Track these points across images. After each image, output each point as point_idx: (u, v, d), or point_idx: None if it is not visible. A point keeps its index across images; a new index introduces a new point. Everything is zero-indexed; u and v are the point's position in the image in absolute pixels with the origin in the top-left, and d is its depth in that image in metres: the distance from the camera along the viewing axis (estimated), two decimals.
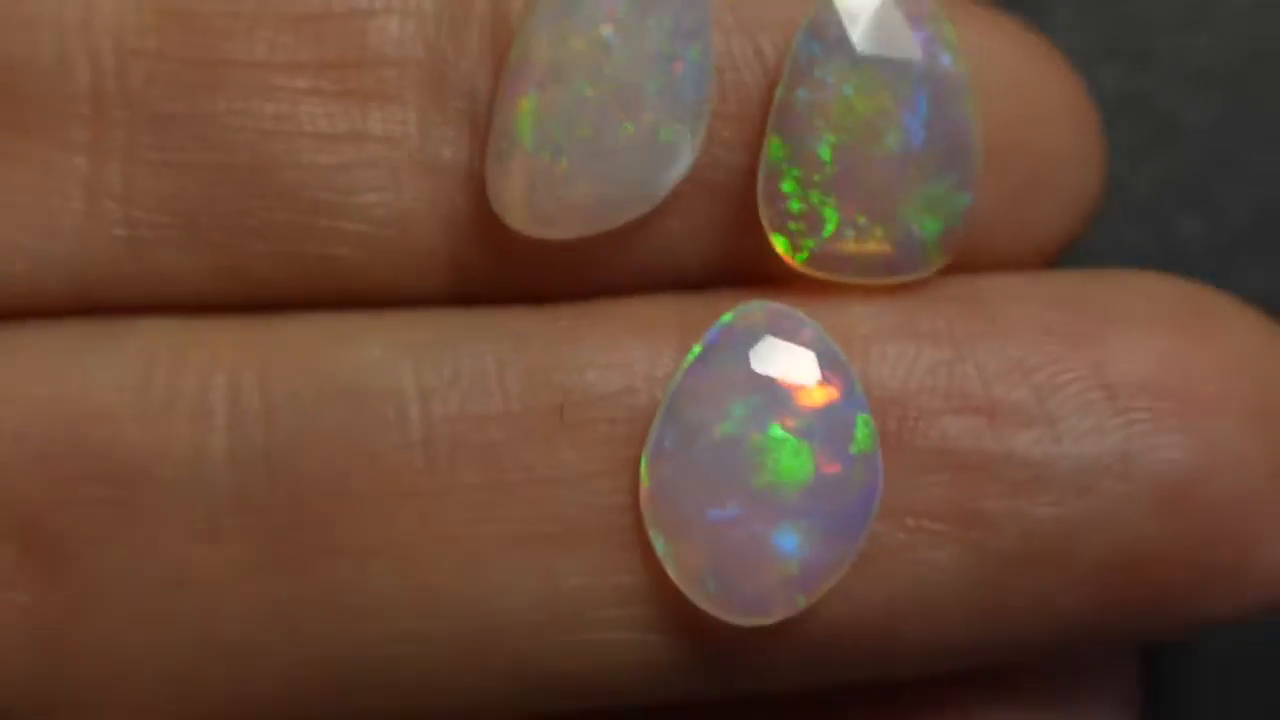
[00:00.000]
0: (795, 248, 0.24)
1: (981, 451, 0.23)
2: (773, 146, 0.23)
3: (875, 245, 0.23)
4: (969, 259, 0.25)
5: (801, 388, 0.23)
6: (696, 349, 0.23)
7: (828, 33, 0.23)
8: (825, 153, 0.23)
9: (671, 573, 0.23)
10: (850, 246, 0.23)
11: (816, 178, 0.23)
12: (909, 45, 0.23)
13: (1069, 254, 0.26)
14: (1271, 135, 0.37)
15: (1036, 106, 0.24)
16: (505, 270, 0.24)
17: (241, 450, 0.23)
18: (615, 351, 0.23)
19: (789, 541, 0.23)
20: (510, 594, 0.23)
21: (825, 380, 0.23)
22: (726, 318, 0.23)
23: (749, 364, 0.23)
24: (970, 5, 0.25)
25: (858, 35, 0.23)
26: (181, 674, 0.23)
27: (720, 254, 0.24)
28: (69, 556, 0.23)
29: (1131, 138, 0.37)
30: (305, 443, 0.23)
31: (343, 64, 0.23)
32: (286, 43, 0.23)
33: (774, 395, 0.23)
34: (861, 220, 0.23)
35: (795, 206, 0.23)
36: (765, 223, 0.24)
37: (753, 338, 0.23)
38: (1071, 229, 0.25)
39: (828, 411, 0.23)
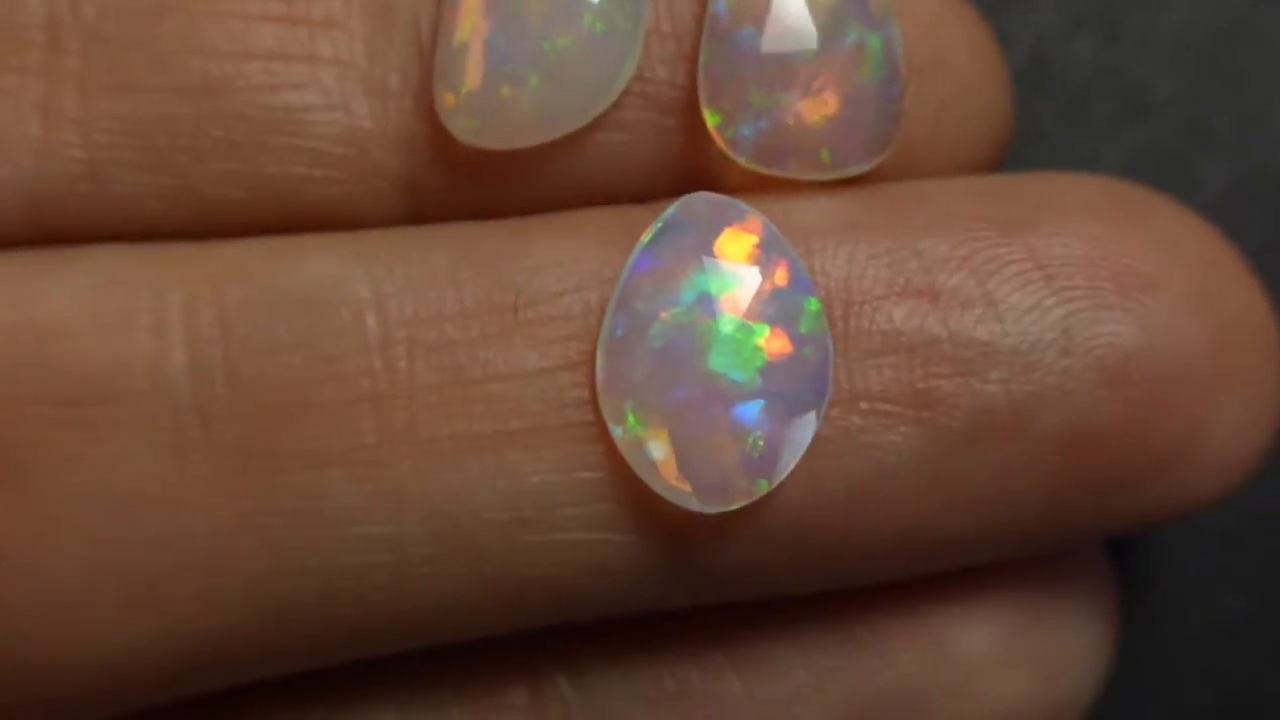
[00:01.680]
0: (735, 145, 0.24)
1: (927, 333, 0.23)
2: (706, 52, 0.24)
3: (812, 139, 0.24)
4: (896, 169, 0.25)
5: (748, 271, 0.23)
6: (644, 239, 0.23)
7: None
8: (755, 52, 0.24)
9: (632, 463, 0.23)
10: (788, 141, 0.24)
11: (749, 78, 0.24)
12: None
13: None
14: (1244, 107, 0.37)
15: (952, 26, 0.25)
16: (455, 186, 0.24)
17: (200, 363, 0.22)
18: (565, 252, 0.23)
19: (746, 420, 0.23)
20: (474, 494, 0.23)
21: (771, 263, 0.23)
22: (670, 209, 0.23)
23: (695, 250, 0.23)
24: None
25: None
26: (148, 593, 0.22)
27: (664, 166, 0.24)
28: (30, 477, 0.22)
29: (1104, 112, 0.37)
30: (263, 353, 0.22)
31: None
32: None
33: (721, 279, 0.23)
34: (799, 108, 0.24)
35: (732, 103, 0.24)
36: (708, 122, 0.24)
37: (697, 224, 0.23)
38: (986, 159, 0.26)
39: (775, 294, 0.23)
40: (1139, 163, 0.37)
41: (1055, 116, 0.35)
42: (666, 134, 0.24)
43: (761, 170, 0.24)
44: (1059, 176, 0.25)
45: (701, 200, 0.23)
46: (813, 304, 0.23)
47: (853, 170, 0.24)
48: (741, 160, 0.24)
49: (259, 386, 0.22)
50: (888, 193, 0.24)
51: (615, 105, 0.24)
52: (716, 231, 0.23)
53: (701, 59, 0.24)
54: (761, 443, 0.23)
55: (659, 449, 0.23)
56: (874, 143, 0.24)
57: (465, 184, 0.24)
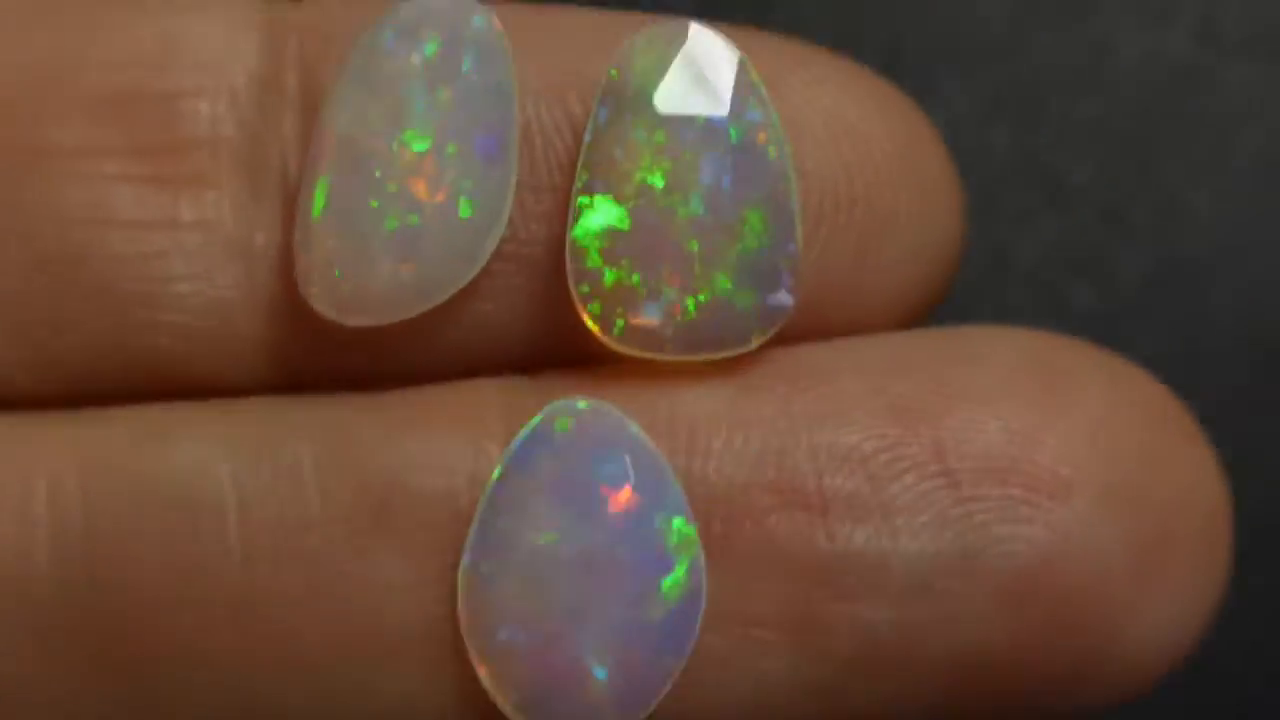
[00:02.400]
0: (606, 324, 0.22)
1: (813, 552, 0.21)
2: (577, 218, 0.22)
3: (688, 318, 0.22)
4: (807, 324, 0.22)
5: (612, 495, 0.21)
6: (508, 452, 0.21)
7: (625, 90, 0.22)
8: (625, 222, 0.21)
9: (490, 692, 0.21)
10: (662, 322, 0.22)
11: (621, 248, 0.21)
12: (712, 100, 0.22)
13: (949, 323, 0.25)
14: (1161, 195, 0.36)
15: (873, 154, 0.22)
16: (323, 356, 0.23)
17: (64, 561, 0.21)
18: (437, 450, 0.22)
19: (604, 661, 0.21)
20: (332, 706, 0.22)
21: (638, 486, 0.21)
22: (535, 420, 0.21)
23: (557, 471, 0.21)
24: (797, 47, 0.23)
25: (656, 92, 0.22)
26: None
27: (543, 332, 0.23)
28: None
29: (1020, 201, 0.37)
30: (127, 553, 0.21)
31: (153, 148, 0.22)
32: (96, 128, 0.22)
33: (584, 505, 0.21)
34: (672, 291, 0.22)
35: (604, 280, 0.22)
36: (575, 299, 0.22)
37: (562, 441, 0.21)
38: (925, 291, 0.23)
39: (640, 519, 0.21)
40: (1054, 252, 0.37)
41: (969, 206, 0.35)
42: (540, 299, 0.22)
43: (637, 354, 0.22)
44: (981, 336, 0.23)
45: (566, 410, 0.22)
46: (681, 528, 0.21)
47: (735, 352, 0.22)
48: (614, 346, 0.22)
49: (122, 587, 0.21)
50: (784, 369, 0.22)
51: (485, 271, 0.22)
52: (581, 449, 0.21)
53: (571, 229, 0.22)
54: (623, 681, 0.21)
55: (516, 691, 0.21)
56: (762, 319, 0.22)
57: (334, 354, 0.23)
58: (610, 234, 0.22)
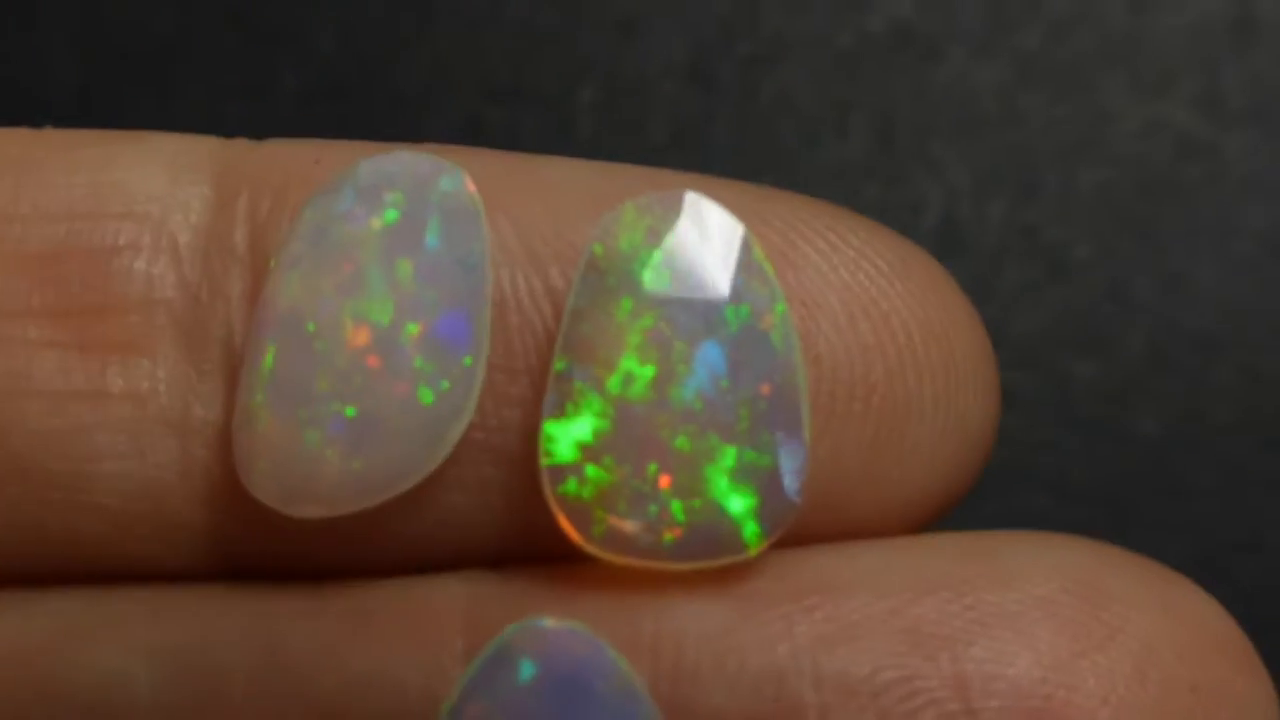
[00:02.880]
0: (584, 528, 0.19)
1: None
2: (548, 402, 0.19)
3: (676, 524, 0.19)
4: (820, 524, 0.20)
5: None
6: (461, 685, 0.19)
7: (609, 267, 0.19)
8: (607, 421, 0.19)
9: None
10: (647, 526, 0.19)
11: (599, 444, 0.19)
12: (710, 282, 0.19)
13: None
14: (1163, 267, 0.36)
15: (898, 336, 0.20)
16: (270, 545, 0.21)
17: None
18: (386, 664, 0.19)
19: None
20: None
21: None
22: (494, 644, 0.19)
23: (519, 704, 0.19)
24: (813, 209, 0.21)
25: (646, 270, 0.19)
26: None
27: (516, 527, 0.20)
28: None
29: (1019, 276, 0.36)
30: None
31: (82, 310, 0.20)
32: (19, 287, 0.20)
33: None
34: (659, 494, 0.19)
35: (578, 478, 0.19)
36: (548, 498, 0.19)
37: (525, 670, 0.19)
38: (952, 484, 0.21)
39: None
40: (1057, 327, 0.36)
41: (968, 280, 0.34)
42: (513, 491, 0.20)
43: (614, 560, 0.20)
44: (1015, 548, 0.20)
45: (534, 630, 0.19)
46: None
47: (730, 561, 0.20)
48: (593, 551, 0.20)
49: None
50: (788, 583, 0.20)
51: (453, 459, 0.20)
52: (547, 679, 0.19)
53: (546, 424, 0.19)
54: None
55: None
56: (763, 524, 0.19)
57: (278, 542, 0.20)
58: (589, 429, 0.19)
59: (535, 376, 0.20)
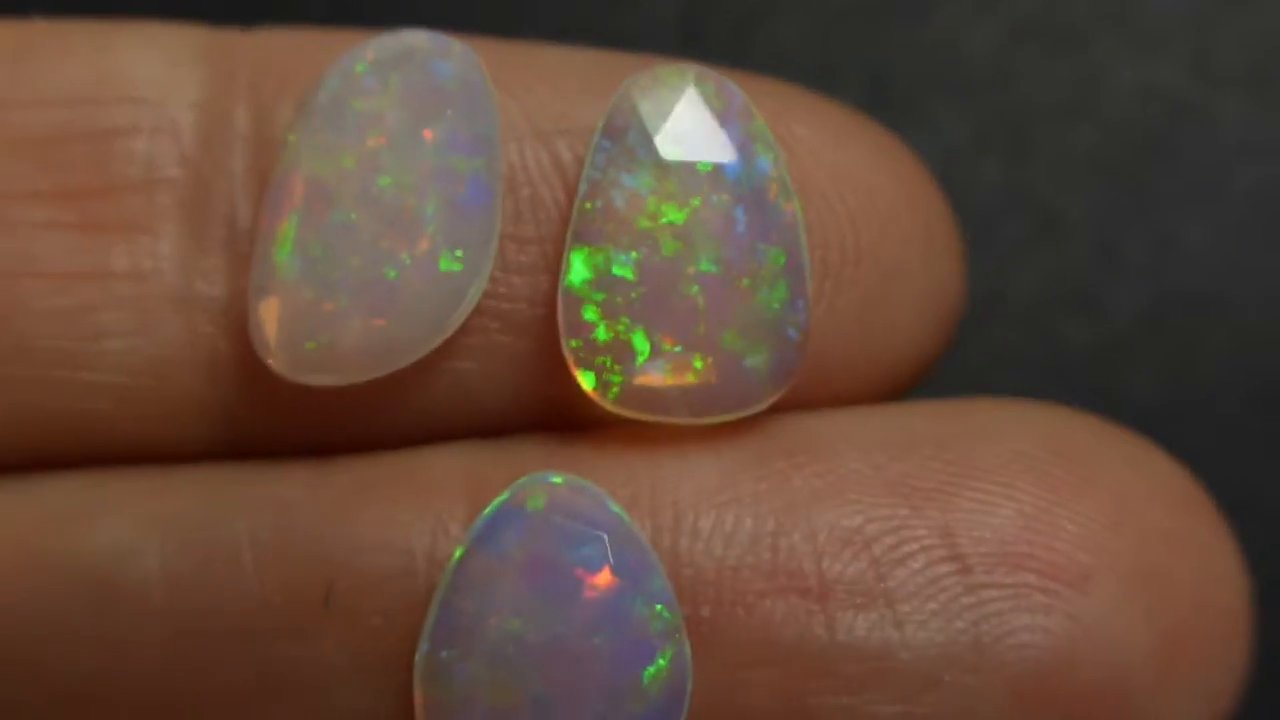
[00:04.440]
0: (604, 384, 0.20)
1: (810, 641, 0.20)
2: (571, 268, 0.20)
3: (694, 378, 0.20)
4: (810, 387, 0.21)
5: (588, 580, 0.19)
6: (473, 529, 0.20)
7: (627, 135, 0.20)
8: (629, 272, 0.20)
9: None
10: (666, 380, 0.20)
11: (621, 301, 0.20)
12: (720, 146, 0.20)
13: (946, 364, 0.23)
14: (1157, 228, 0.36)
15: (879, 207, 0.21)
16: (276, 419, 0.21)
17: None
18: (392, 526, 0.20)
19: None
20: None
21: (618, 568, 0.19)
22: (504, 495, 0.20)
23: (528, 551, 0.19)
24: (800, 95, 0.22)
25: (661, 136, 0.20)
26: None
27: (523, 394, 0.21)
28: None
29: (1012, 234, 0.36)
30: (37, 641, 0.20)
31: (84, 192, 0.21)
32: (21, 171, 0.21)
33: (557, 588, 0.19)
34: (677, 349, 0.20)
35: (600, 336, 0.20)
36: (568, 356, 0.20)
37: (533, 520, 0.20)
38: (929, 346, 0.22)
39: (619, 604, 0.19)
40: (1048, 286, 0.36)
41: (962, 238, 0.34)
42: (522, 359, 0.21)
43: (631, 415, 0.20)
44: (992, 411, 0.21)
45: (539, 484, 0.20)
46: (663, 613, 0.19)
47: (741, 413, 0.20)
48: (611, 408, 0.20)
49: (29, 679, 0.20)
50: (781, 442, 0.20)
51: (463, 327, 0.20)
52: (554, 526, 0.20)
53: (566, 278, 0.20)
54: None
55: None
56: (772, 379, 0.20)
57: (286, 416, 0.21)
58: (609, 286, 0.20)
59: (545, 246, 0.20)
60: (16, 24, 0.21)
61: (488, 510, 0.20)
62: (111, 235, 0.20)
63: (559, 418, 0.21)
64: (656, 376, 0.20)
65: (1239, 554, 0.21)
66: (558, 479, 0.20)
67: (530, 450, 0.20)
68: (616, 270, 0.20)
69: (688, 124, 0.20)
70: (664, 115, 0.20)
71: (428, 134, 0.20)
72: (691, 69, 0.20)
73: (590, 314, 0.20)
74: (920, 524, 0.20)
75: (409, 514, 0.20)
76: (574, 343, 0.20)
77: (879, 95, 0.36)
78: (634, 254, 0.20)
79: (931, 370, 0.22)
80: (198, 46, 0.21)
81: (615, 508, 0.20)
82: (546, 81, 0.21)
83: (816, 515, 0.20)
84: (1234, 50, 0.36)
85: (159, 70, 0.21)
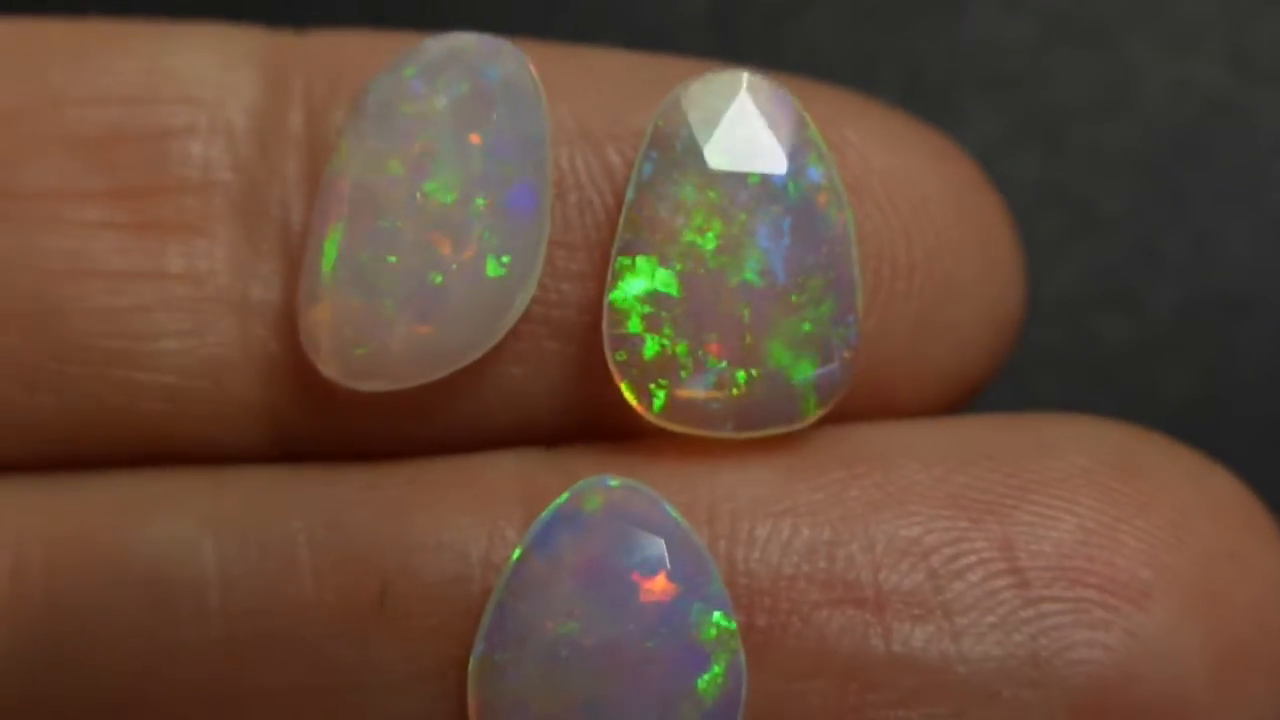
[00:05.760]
0: (647, 397, 0.20)
1: (867, 653, 0.19)
2: (616, 279, 0.20)
3: (738, 392, 0.20)
4: (865, 400, 0.21)
5: (644, 584, 0.19)
6: (530, 531, 0.20)
7: (674, 143, 0.20)
8: (674, 284, 0.20)
9: None
10: (710, 394, 0.20)
11: (665, 314, 0.20)
12: (770, 156, 0.20)
13: None
14: (1193, 225, 0.36)
15: (933, 217, 0.21)
16: (329, 422, 0.21)
17: (25, 645, 0.20)
18: (448, 530, 0.20)
19: None
20: None
21: (674, 574, 0.19)
22: (562, 498, 0.20)
23: (584, 555, 0.19)
24: (851, 99, 0.21)
25: (709, 145, 0.20)
26: None
27: (574, 401, 0.21)
28: None
29: (1048, 231, 0.36)
30: (95, 635, 0.20)
31: (139, 192, 0.21)
32: (75, 169, 0.21)
33: (613, 592, 0.19)
34: (721, 364, 0.20)
35: (644, 348, 0.20)
36: (612, 368, 0.20)
37: (591, 523, 0.20)
38: (990, 355, 0.22)
39: (676, 610, 0.19)
40: (1085, 283, 0.36)
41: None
42: (570, 364, 0.21)
43: (679, 430, 0.20)
44: (1052, 426, 0.21)
45: (597, 488, 0.20)
46: (720, 622, 0.19)
47: (785, 429, 0.20)
48: (655, 420, 0.20)
49: (87, 673, 0.20)
50: (839, 452, 0.20)
51: (512, 333, 0.20)
52: (612, 531, 0.20)
53: (610, 290, 0.20)
54: None
55: None
56: (819, 393, 0.20)
57: (338, 420, 0.21)
58: (654, 298, 0.20)
59: (593, 253, 0.20)
60: (76, 22, 0.22)
61: (545, 513, 0.20)
62: (166, 236, 0.21)
63: (613, 425, 0.21)
64: (700, 390, 0.20)
65: None
66: (615, 482, 0.20)
67: (586, 458, 0.21)
68: (661, 283, 0.20)
69: (737, 132, 0.20)
70: (713, 123, 0.20)
71: (475, 138, 0.20)
72: (743, 74, 0.20)
73: (635, 326, 0.20)
74: (979, 536, 0.20)
75: (465, 518, 0.20)
76: (619, 355, 0.20)
77: (913, 92, 0.36)
78: (679, 266, 0.20)
79: (989, 383, 0.22)
80: (253, 49, 0.21)
81: (673, 512, 0.20)
82: (596, 85, 0.21)
83: (874, 526, 0.20)
84: (1271, 46, 0.36)
85: (215, 72, 0.21)
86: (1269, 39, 0.36)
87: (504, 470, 0.20)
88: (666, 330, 0.20)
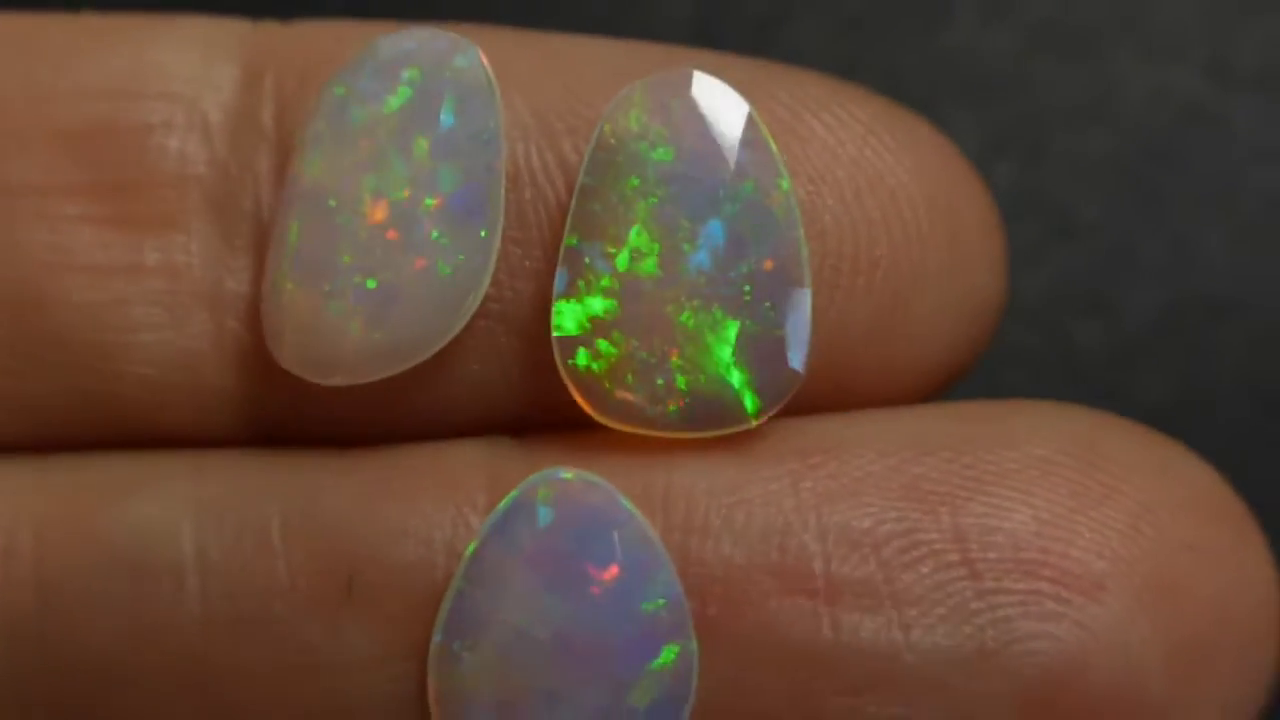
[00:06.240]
0: (595, 398, 0.20)
1: (817, 642, 0.20)
2: (560, 281, 0.20)
3: (682, 394, 0.20)
4: (826, 393, 0.21)
5: (597, 573, 0.20)
6: (486, 524, 0.20)
7: (619, 143, 0.20)
8: (612, 285, 0.20)
9: None
10: (653, 396, 0.20)
11: (608, 319, 0.20)
12: (712, 158, 0.20)
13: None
14: (1171, 232, 0.36)
15: (905, 210, 0.21)
16: (298, 409, 0.21)
17: (14, 624, 0.21)
18: (414, 517, 0.20)
19: None
20: None
21: (625, 564, 0.20)
22: (515, 491, 0.20)
23: (539, 546, 0.20)
24: (823, 85, 0.21)
25: (652, 147, 0.20)
26: None
27: (532, 394, 0.21)
28: None
29: (1026, 237, 0.36)
30: (79, 613, 0.20)
31: (119, 186, 0.21)
32: (59, 164, 0.21)
33: (566, 582, 0.20)
34: (665, 366, 0.20)
35: (589, 350, 0.20)
36: (561, 370, 0.20)
37: (545, 514, 0.20)
38: (960, 349, 0.22)
39: (626, 599, 0.20)
40: (1061, 289, 0.36)
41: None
42: (528, 360, 0.21)
43: (622, 428, 0.21)
44: (1012, 413, 0.21)
45: (550, 480, 0.20)
46: (671, 610, 0.20)
47: (733, 430, 0.20)
48: (604, 420, 0.20)
49: (72, 651, 0.20)
50: (794, 443, 0.20)
51: (469, 329, 0.21)
52: (564, 522, 0.20)
53: (555, 291, 0.20)
54: None
55: None
56: (764, 395, 0.20)
57: (309, 408, 0.21)
58: (598, 299, 0.20)
59: (548, 249, 0.21)
60: (69, 18, 0.22)
61: (502, 504, 0.20)
62: (144, 231, 0.21)
63: (572, 417, 0.21)
64: (644, 393, 0.20)
65: (1271, 564, 0.21)
66: (568, 474, 0.20)
67: (550, 447, 0.21)
68: (605, 284, 0.20)
69: (684, 135, 0.20)
70: (659, 126, 0.20)
71: (424, 138, 0.20)
72: (691, 74, 0.20)
73: (575, 326, 0.20)
74: (932, 527, 0.20)
75: (430, 505, 0.20)
76: (569, 361, 0.20)
77: (894, 98, 0.36)
78: (618, 266, 0.20)
79: (968, 372, 0.22)
80: (234, 42, 0.22)
81: (626, 503, 0.20)
82: (555, 76, 0.21)
83: (827, 515, 0.20)
84: (1249, 54, 0.37)
85: (195, 66, 0.21)
86: (1247, 47, 0.37)
87: (471, 459, 0.21)
88: (614, 334, 0.20)
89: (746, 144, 0.20)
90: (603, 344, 0.20)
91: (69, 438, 0.21)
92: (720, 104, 0.20)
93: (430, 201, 0.20)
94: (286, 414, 0.21)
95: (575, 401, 0.20)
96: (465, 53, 0.20)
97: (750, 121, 0.20)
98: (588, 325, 0.20)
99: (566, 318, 0.20)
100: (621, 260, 0.20)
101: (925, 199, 0.21)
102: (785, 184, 0.20)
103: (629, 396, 0.20)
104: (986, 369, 0.35)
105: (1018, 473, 0.20)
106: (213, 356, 0.21)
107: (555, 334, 0.20)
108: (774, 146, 0.20)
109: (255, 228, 0.21)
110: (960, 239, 0.21)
